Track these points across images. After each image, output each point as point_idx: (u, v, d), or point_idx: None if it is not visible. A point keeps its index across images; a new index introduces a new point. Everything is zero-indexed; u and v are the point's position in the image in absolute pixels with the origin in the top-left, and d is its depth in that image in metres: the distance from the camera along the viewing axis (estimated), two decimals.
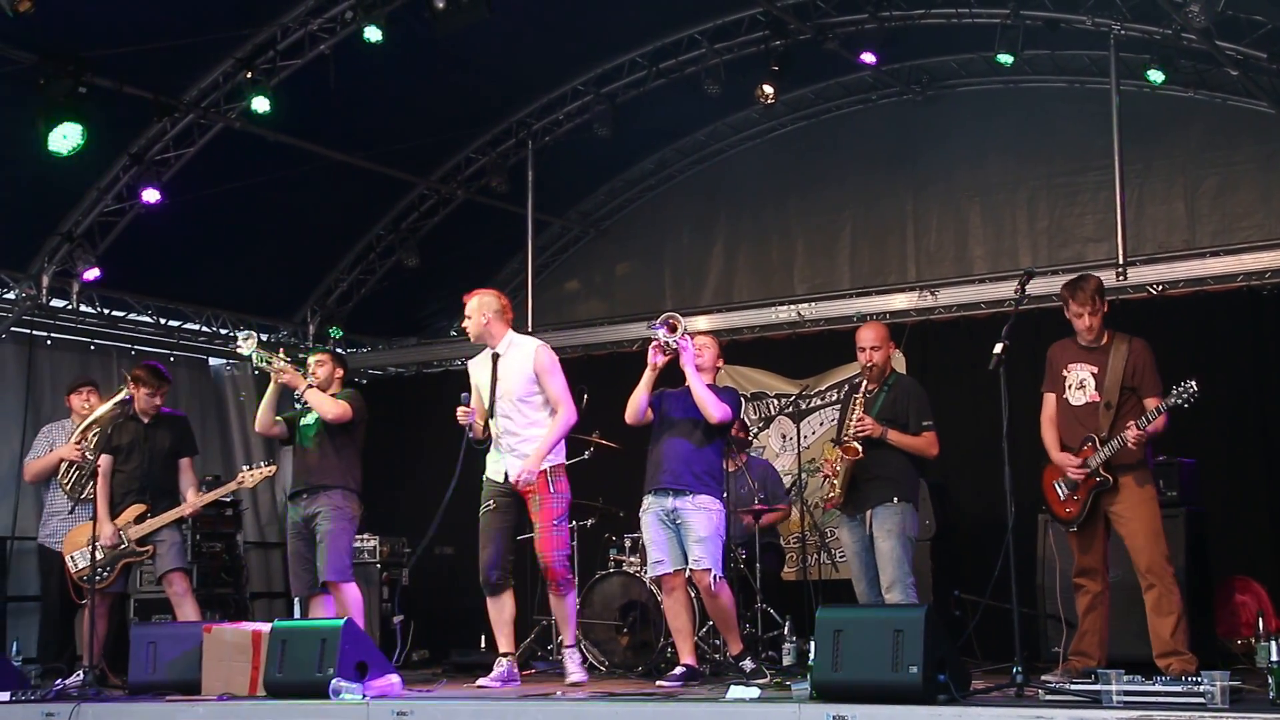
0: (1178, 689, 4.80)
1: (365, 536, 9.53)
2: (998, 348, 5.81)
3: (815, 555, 8.92)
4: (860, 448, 6.62)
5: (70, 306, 10.00)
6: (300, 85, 9.13)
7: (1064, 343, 6.55)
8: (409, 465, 10.74)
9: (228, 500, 9.40)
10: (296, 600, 7.73)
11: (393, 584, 9.69)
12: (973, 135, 10.63)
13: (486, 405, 6.88)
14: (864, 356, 6.86)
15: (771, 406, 10.24)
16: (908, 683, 5.07)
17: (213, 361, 11.51)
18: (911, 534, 6.69)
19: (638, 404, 6.87)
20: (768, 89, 9.69)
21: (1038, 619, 7.71)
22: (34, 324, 9.91)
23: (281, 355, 7.44)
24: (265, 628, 6.60)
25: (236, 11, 8.70)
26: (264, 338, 11.07)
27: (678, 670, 6.75)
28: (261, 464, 7.94)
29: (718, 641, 7.59)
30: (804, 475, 9.17)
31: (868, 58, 9.78)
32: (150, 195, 9.24)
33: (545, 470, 6.76)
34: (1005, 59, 9.24)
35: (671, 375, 6.92)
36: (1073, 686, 5.20)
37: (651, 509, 6.89)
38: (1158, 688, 4.84)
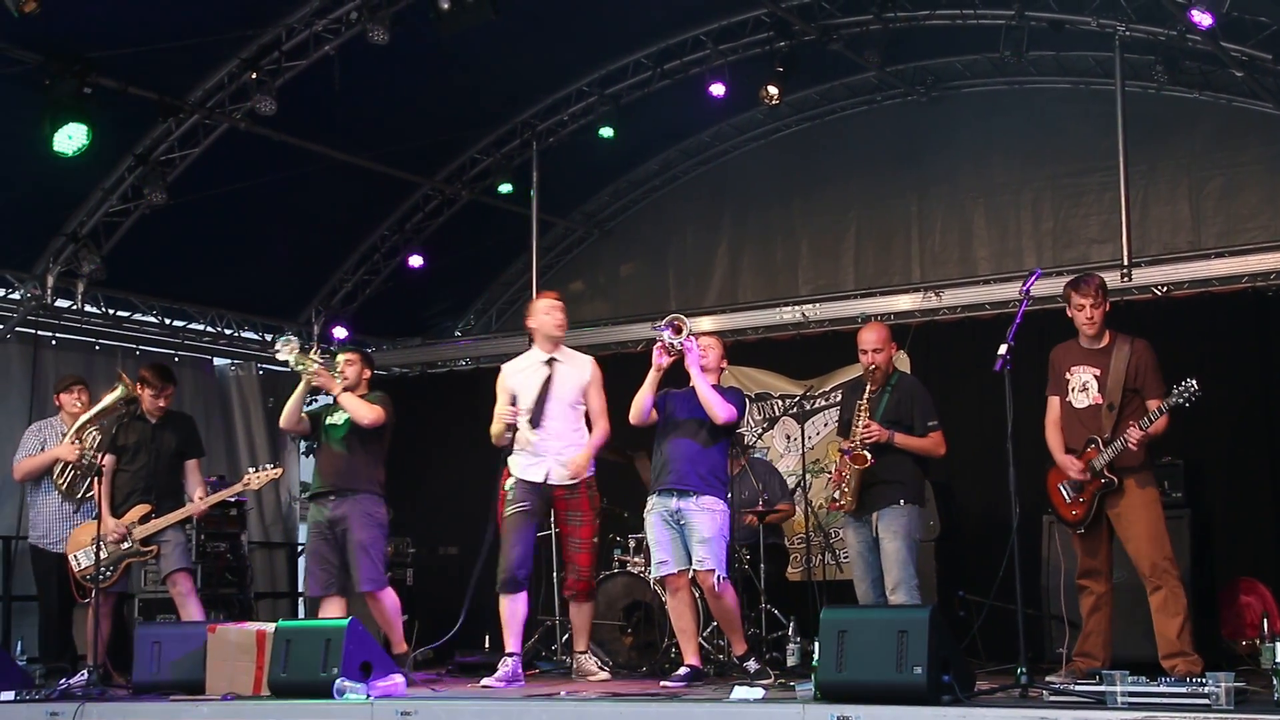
0: (1182, 690, 4.79)
1: None
2: (1002, 349, 5.81)
3: (820, 556, 8.91)
4: (870, 456, 6.61)
5: (75, 306, 10.00)
6: (305, 86, 9.14)
7: (1066, 345, 6.53)
8: (412, 466, 10.68)
9: (232, 500, 9.40)
10: (303, 600, 7.73)
11: (397, 584, 9.67)
12: (977, 136, 10.63)
13: (529, 409, 6.97)
14: (866, 358, 6.85)
15: (776, 407, 10.22)
16: (912, 683, 5.07)
17: (217, 362, 11.52)
18: (916, 535, 6.69)
19: (642, 405, 6.87)
20: (772, 90, 9.67)
21: (1042, 620, 7.71)
22: (39, 324, 9.90)
23: (314, 356, 7.46)
24: (269, 627, 6.61)
25: (241, 12, 8.70)
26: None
27: (682, 671, 6.75)
28: (267, 466, 7.93)
29: (722, 642, 7.59)
30: (808, 476, 9.16)
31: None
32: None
33: (587, 484, 7.00)
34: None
35: (675, 376, 6.93)
36: (1077, 687, 5.21)
37: (656, 509, 6.89)
38: (1162, 689, 4.83)
